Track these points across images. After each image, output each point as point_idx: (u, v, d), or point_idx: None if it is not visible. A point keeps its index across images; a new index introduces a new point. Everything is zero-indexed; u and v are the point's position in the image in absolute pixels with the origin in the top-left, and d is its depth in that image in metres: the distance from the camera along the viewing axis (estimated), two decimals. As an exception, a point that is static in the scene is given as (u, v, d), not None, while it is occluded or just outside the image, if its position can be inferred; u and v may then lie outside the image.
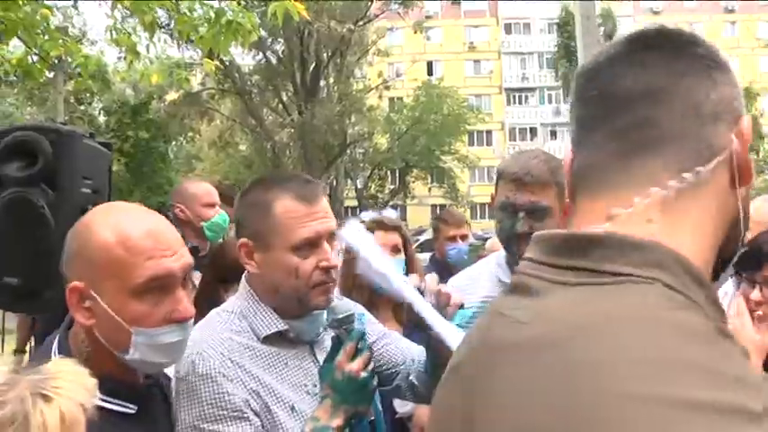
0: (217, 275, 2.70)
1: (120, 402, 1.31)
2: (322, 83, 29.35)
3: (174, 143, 30.70)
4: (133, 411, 1.32)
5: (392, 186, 35.49)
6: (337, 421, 1.56)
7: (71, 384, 1.13)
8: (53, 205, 2.63)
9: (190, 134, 31.75)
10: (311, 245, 1.63)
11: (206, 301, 2.31)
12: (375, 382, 1.63)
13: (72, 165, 2.67)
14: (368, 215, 2.94)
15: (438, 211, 6.52)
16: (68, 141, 2.67)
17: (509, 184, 2.00)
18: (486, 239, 5.37)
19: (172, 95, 29.24)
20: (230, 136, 31.86)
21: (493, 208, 2.10)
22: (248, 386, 1.57)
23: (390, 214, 3.04)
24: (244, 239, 1.69)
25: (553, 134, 48.65)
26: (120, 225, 1.34)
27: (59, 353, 1.35)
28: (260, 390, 1.58)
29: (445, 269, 4.17)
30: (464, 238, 4.22)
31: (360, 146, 32.45)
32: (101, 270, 1.31)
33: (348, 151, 31.13)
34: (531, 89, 49.73)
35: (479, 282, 2.22)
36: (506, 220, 2.01)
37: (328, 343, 1.71)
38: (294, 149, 28.54)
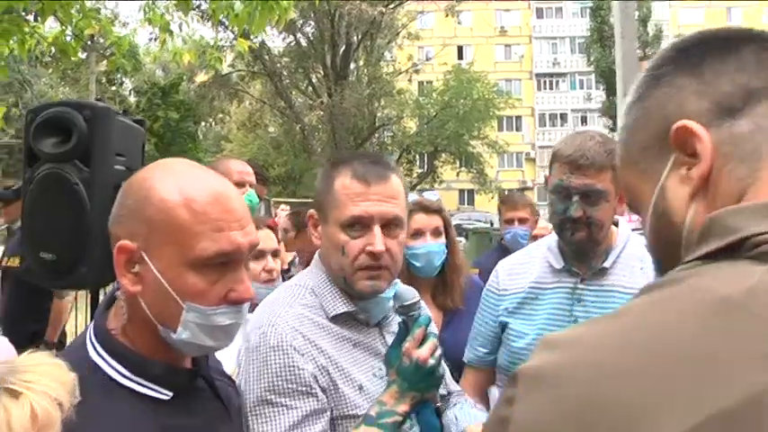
0: None
1: (152, 386, 1.18)
2: (352, 66, 29.28)
3: (203, 124, 30.97)
4: (167, 398, 1.19)
5: (420, 170, 35.33)
6: (403, 407, 1.56)
7: (45, 378, 1.01)
8: (87, 182, 2.63)
9: (219, 115, 31.99)
10: (361, 225, 1.61)
11: None
12: (442, 370, 1.61)
13: (106, 141, 2.68)
14: (409, 197, 2.90)
15: (465, 196, 6.42)
16: (102, 118, 2.67)
17: (563, 167, 1.94)
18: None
19: (202, 77, 29.40)
20: (259, 118, 31.98)
21: (546, 191, 2.06)
22: (317, 361, 1.56)
23: (432, 197, 2.98)
24: (312, 211, 1.75)
25: (584, 120, 48.04)
26: (186, 185, 1.17)
27: (95, 337, 1.20)
28: (329, 366, 1.57)
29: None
30: (523, 221, 4.11)
31: (388, 129, 32.32)
32: (159, 233, 1.15)
33: (377, 134, 31.05)
34: (562, 74, 49.15)
35: (529, 267, 2.18)
36: (559, 203, 1.96)
37: (395, 327, 1.70)
38: (323, 132, 28.54)
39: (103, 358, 1.17)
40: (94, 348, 1.19)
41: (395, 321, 1.72)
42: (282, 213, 10.40)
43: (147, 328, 1.20)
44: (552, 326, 2.03)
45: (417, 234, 2.71)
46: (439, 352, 1.60)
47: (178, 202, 1.15)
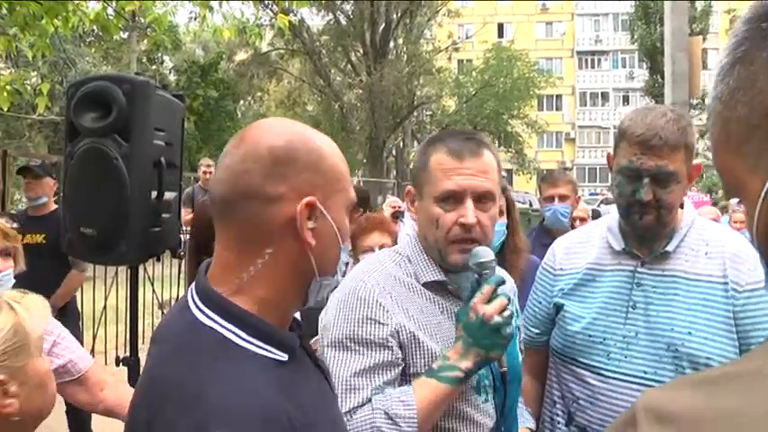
0: (198, 241, 2.44)
1: (268, 347, 1.14)
2: (391, 44, 29.07)
3: (242, 102, 31.11)
4: (284, 359, 1.15)
5: (458, 150, 35.01)
6: (466, 363, 1.57)
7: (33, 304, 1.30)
8: (127, 157, 2.62)
9: (258, 94, 32.11)
10: (454, 198, 1.66)
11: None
12: (510, 330, 1.59)
13: (145, 116, 2.66)
14: None
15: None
16: (142, 92, 2.65)
17: (633, 147, 1.82)
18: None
19: (241, 55, 29.52)
20: (298, 96, 32.04)
21: (612, 171, 1.94)
22: (400, 320, 1.62)
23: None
24: (409, 187, 1.84)
25: (625, 99, 47.31)
26: (331, 142, 1.26)
27: (201, 300, 1.16)
28: (411, 325, 1.63)
29: (549, 236, 4.02)
30: (563, 198, 3.96)
31: (427, 108, 32.17)
32: (331, 184, 1.19)
33: (416, 113, 30.92)
34: (605, 52, 48.36)
35: (587, 246, 2.09)
36: (627, 185, 1.85)
37: None
38: (362, 110, 28.46)
39: (214, 320, 1.13)
40: (201, 311, 1.14)
41: None
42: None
43: (282, 289, 1.18)
44: (609, 310, 1.94)
45: None
46: (508, 312, 1.59)
47: (335, 154, 1.23)
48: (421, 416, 1.52)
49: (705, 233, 1.92)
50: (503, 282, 1.65)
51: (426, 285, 1.72)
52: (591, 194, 30.26)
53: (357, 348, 1.59)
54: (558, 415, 2.06)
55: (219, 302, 1.14)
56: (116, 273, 5.76)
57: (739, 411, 0.57)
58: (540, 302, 2.16)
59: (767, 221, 0.67)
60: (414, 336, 1.62)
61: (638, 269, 1.93)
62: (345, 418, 1.48)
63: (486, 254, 1.65)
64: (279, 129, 1.19)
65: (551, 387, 2.10)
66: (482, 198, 1.67)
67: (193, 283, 1.21)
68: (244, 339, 1.12)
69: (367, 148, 27.71)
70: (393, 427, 1.50)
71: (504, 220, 2.71)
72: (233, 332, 1.11)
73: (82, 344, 5.31)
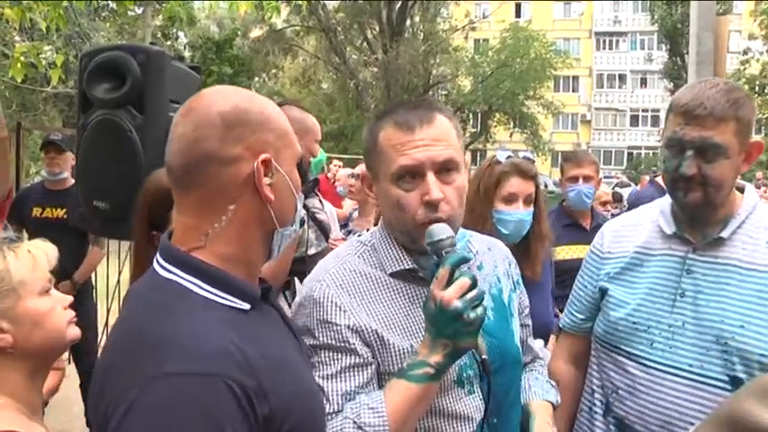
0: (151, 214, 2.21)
1: (230, 297, 1.21)
2: (408, 22, 28.89)
3: (256, 79, 30.97)
4: (246, 309, 1.22)
5: (473, 129, 34.86)
6: (435, 357, 1.40)
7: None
8: (141, 128, 2.56)
9: (273, 71, 31.96)
10: (414, 175, 1.50)
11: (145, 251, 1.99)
12: (475, 315, 1.37)
13: (160, 87, 2.59)
14: (503, 155, 2.61)
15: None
16: (157, 63, 2.59)
17: (678, 117, 1.71)
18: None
19: (256, 32, 29.37)
20: (313, 73, 31.92)
21: (661, 147, 1.83)
22: (362, 318, 1.50)
23: (501, 155, 2.67)
24: (364, 170, 1.68)
25: (643, 82, 46.79)
26: (268, 100, 1.34)
27: (163, 258, 1.24)
28: (377, 323, 1.51)
29: (570, 217, 3.93)
30: (588, 179, 3.84)
31: (443, 87, 31.94)
32: (281, 140, 1.27)
33: (431, 92, 30.69)
34: (623, 33, 47.70)
35: (637, 229, 1.98)
36: (671, 159, 1.74)
37: None
38: (377, 88, 28.34)
39: (175, 273, 1.20)
40: (165, 268, 1.22)
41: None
42: (334, 169, 10.46)
43: (244, 243, 1.25)
44: (655, 297, 1.84)
45: (510, 199, 2.52)
46: (472, 294, 1.38)
47: (279, 112, 1.31)
48: (393, 422, 1.39)
49: (767, 220, 1.79)
50: (465, 260, 1.43)
51: (394, 275, 1.58)
52: (606, 177, 30.02)
53: (319, 354, 1.48)
54: (595, 405, 1.98)
55: (180, 257, 1.21)
56: (130, 247, 5.74)
57: None
58: (586, 286, 2.07)
59: None
60: (378, 335, 1.50)
61: (690, 255, 1.82)
62: None
63: (440, 231, 1.46)
64: (225, 94, 1.25)
65: (591, 375, 2.02)
66: (444, 168, 1.50)
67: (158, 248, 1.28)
68: (203, 289, 1.19)
69: (381, 126, 27.58)
70: None
71: (531, 208, 2.56)
72: (192, 282, 1.19)
73: (95, 317, 5.34)
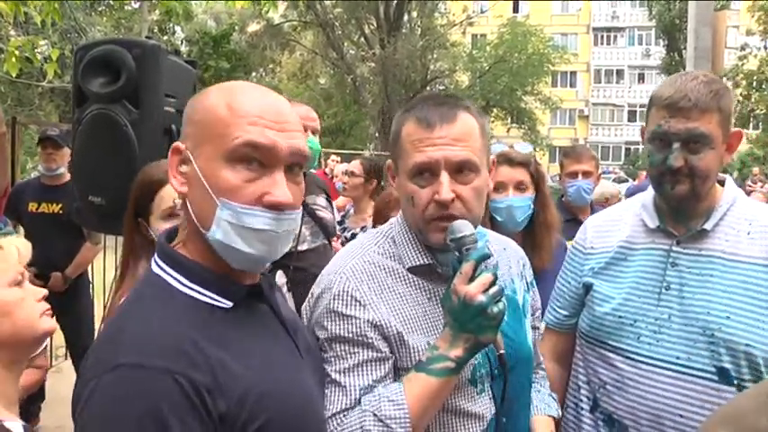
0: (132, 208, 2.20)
1: (210, 294, 1.20)
2: (405, 17, 28.78)
3: (254, 74, 30.90)
4: (226, 307, 1.21)
5: (471, 125, 34.72)
6: (456, 351, 1.42)
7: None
8: (136, 123, 2.55)
9: (270, 66, 31.88)
10: (429, 173, 1.51)
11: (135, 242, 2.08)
12: (498, 309, 1.41)
13: (155, 81, 2.58)
14: (497, 147, 2.67)
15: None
16: (152, 56, 2.57)
17: (661, 111, 1.73)
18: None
19: (253, 27, 29.27)
20: (311, 68, 31.83)
21: (643, 142, 1.84)
22: (381, 312, 1.50)
23: (522, 149, 2.73)
24: (389, 161, 1.67)
25: (641, 77, 46.78)
26: (233, 91, 1.22)
27: (157, 254, 1.26)
28: (395, 317, 1.51)
29: (569, 212, 3.88)
30: (587, 174, 3.84)
31: (441, 82, 31.84)
32: (201, 131, 1.20)
33: (429, 87, 30.61)
34: (621, 29, 47.70)
35: (620, 224, 1.98)
36: (657, 152, 1.75)
37: None
38: (374, 84, 28.26)
39: (162, 268, 1.22)
40: (157, 264, 1.24)
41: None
42: (332, 164, 10.43)
43: (200, 237, 1.21)
44: (641, 291, 1.85)
45: (499, 187, 2.58)
46: (495, 289, 1.41)
47: (221, 101, 1.20)
48: (413, 414, 1.40)
49: (749, 212, 1.81)
50: (487, 257, 1.47)
51: (412, 270, 1.58)
52: (604, 173, 30.02)
53: (337, 348, 1.48)
54: (582, 401, 1.98)
55: (168, 252, 1.24)
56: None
57: None
58: (570, 282, 2.07)
59: None
60: (396, 330, 1.49)
61: (674, 248, 1.83)
62: (335, 422, 1.42)
63: (463, 228, 1.48)
64: (205, 89, 1.27)
65: (577, 372, 2.02)
66: (461, 169, 1.50)
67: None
68: (185, 285, 1.20)
69: (379, 121, 27.49)
70: (385, 430, 1.39)
71: (528, 194, 2.60)
72: (175, 278, 1.20)
73: (92, 313, 5.32)
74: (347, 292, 1.50)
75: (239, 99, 1.20)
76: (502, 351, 1.51)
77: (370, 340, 1.47)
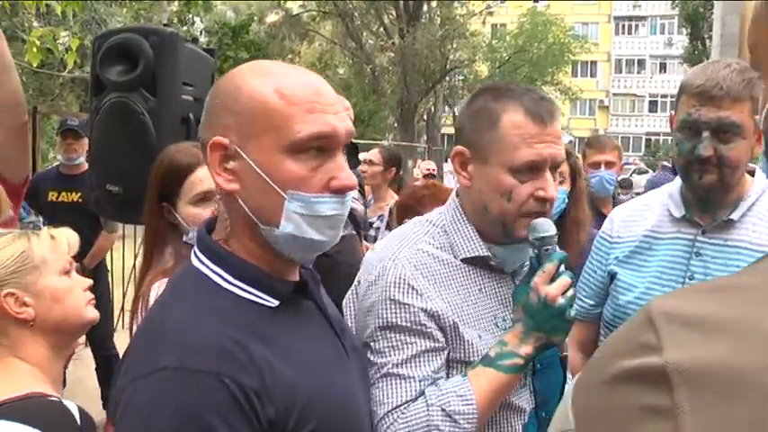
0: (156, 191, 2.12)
1: (256, 292, 1.14)
2: (425, 6, 28.63)
3: (273, 65, 30.88)
4: (272, 305, 1.15)
5: (490, 116, 34.60)
6: (526, 348, 1.44)
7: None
8: (154, 112, 2.55)
9: (289, 56, 31.90)
10: (532, 169, 1.48)
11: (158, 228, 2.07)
12: (574, 313, 1.44)
13: (173, 69, 2.57)
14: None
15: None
16: (170, 44, 2.56)
17: (692, 99, 1.69)
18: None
19: (272, 17, 29.29)
20: (330, 58, 31.78)
21: (672, 130, 1.81)
22: (437, 302, 1.47)
23: (563, 139, 2.67)
24: (460, 147, 1.57)
25: (662, 67, 46.29)
26: (275, 74, 1.14)
27: (199, 249, 1.19)
28: (449, 308, 1.48)
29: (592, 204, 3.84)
30: (610, 165, 3.78)
31: (460, 72, 31.72)
32: (251, 123, 1.10)
33: (448, 77, 30.50)
34: (643, 18, 47.19)
35: (646, 213, 1.96)
36: (686, 141, 1.72)
37: None
38: (393, 74, 28.17)
39: (204, 263, 1.16)
40: (198, 258, 1.17)
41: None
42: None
43: (249, 233, 1.15)
44: (664, 280, 1.82)
45: None
46: (571, 292, 1.44)
47: (268, 89, 1.11)
48: (480, 410, 1.40)
49: None
50: (566, 259, 1.48)
51: (465, 261, 1.55)
52: (624, 164, 29.80)
53: (394, 337, 1.44)
54: None
55: (211, 246, 1.17)
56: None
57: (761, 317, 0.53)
58: (596, 271, 2.05)
59: None
60: (452, 321, 1.47)
61: (699, 238, 1.80)
62: (396, 415, 1.39)
63: (547, 227, 1.48)
64: (233, 71, 1.19)
65: None
66: (556, 168, 1.53)
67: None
68: (230, 283, 1.13)
69: (398, 111, 27.44)
70: (452, 426, 1.37)
71: (564, 188, 2.52)
72: (219, 275, 1.14)
73: (111, 302, 5.36)
74: (404, 279, 1.46)
75: (288, 85, 1.12)
76: (566, 353, 1.54)
77: (429, 330, 1.45)
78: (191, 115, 2.64)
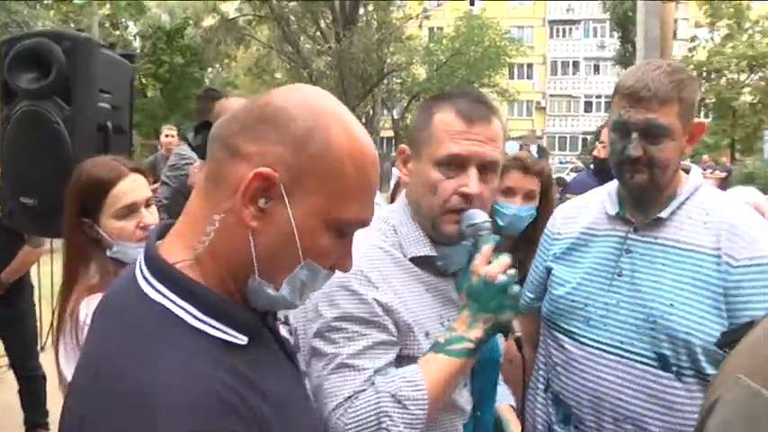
0: (75, 208, 2.05)
1: (226, 329, 0.98)
2: (361, 10, 28.71)
3: (209, 69, 30.53)
4: (243, 343, 1.00)
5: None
6: (475, 332, 1.46)
7: None
8: (69, 120, 2.44)
9: (225, 61, 31.58)
10: (458, 165, 1.53)
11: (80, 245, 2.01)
12: (517, 289, 1.46)
13: (88, 76, 2.47)
14: (512, 147, 2.46)
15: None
16: (84, 50, 2.46)
17: (623, 100, 1.72)
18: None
19: (208, 21, 28.92)
20: (266, 63, 31.58)
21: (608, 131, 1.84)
22: (389, 296, 1.49)
23: (510, 148, 2.47)
24: (403, 145, 1.68)
25: (596, 69, 47.39)
26: (352, 131, 1.02)
27: (151, 273, 0.99)
28: (399, 304, 1.50)
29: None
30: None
31: (398, 76, 31.90)
32: (313, 175, 0.97)
33: (386, 81, 30.63)
34: (576, 21, 48.22)
35: (585, 211, 1.99)
36: (617, 142, 1.75)
37: None
38: (331, 78, 28.13)
39: (164, 295, 0.97)
40: (153, 287, 0.98)
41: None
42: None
43: (233, 269, 1.00)
44: (594, 276, 1.86)
45: (508, 193, 2.44)
46: (513, 271, 1.46)
47: (346, 150, 0.99)
48: (431, 396, 1.40)
49: (708, 202, 1.79)
50: (501, 243, 1.52)
51: (413, 260, 1.58)
52: (561, 163, 30.41)
53: (349, 328, 1.45)
54: (539, 381, 2.01)
55: (171, 275, 0.98)
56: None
57: None
58: (537, 267, 2.09)
59: None
60: (403, 317, 1.49)
61: (630, 235, 1.83)
62: (346, 405, 1.37)
63: (479, 215, 1.52)
64: (302, 92, 1.04)
65: (538, 353, 2.05)
66: (487, 168, 1.55)
67: (142, 250, 1.05)
68: (198, 319, 0.97)
69: (337, 116, 27.45)
70: (402, 411, 1.38)
71: (534, 203, 2.46)
72: (186, 310, 0.96)
73: (39, 319, 5.14)
74: (361, 270, 1.48)
75: (364, 155, 1.02)
76: (519, 333, 1.53)
77: (385, 322, 1.47)
78: (108, 123, 2.54)
